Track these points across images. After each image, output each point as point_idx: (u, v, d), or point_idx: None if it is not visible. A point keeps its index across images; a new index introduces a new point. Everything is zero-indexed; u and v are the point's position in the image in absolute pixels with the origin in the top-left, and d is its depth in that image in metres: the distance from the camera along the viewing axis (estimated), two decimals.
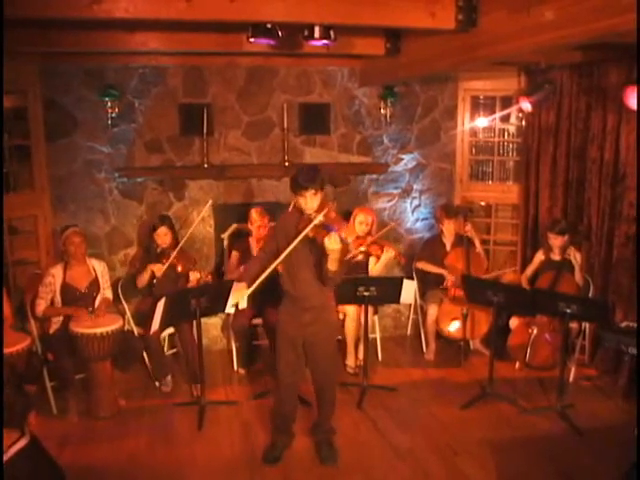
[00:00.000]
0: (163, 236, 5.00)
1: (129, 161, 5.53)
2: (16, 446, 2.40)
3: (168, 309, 4.19)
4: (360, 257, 5.16)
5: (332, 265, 3.37)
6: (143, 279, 4.96)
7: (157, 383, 4.88)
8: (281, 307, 3.79)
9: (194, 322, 4.49)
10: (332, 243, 3.23)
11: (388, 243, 5.30)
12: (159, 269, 4.88)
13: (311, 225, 3.31)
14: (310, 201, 3.41)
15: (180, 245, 4.99)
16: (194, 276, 4.98)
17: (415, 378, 5.15)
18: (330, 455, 3.86)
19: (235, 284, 3.68)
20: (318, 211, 3.38)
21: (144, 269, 4.96)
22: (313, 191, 3.40)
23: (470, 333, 5.37)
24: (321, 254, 3.42)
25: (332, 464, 3.81)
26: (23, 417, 2.49)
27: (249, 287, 3.56)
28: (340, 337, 5.59)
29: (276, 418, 3.95)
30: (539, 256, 5.29)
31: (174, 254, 4.90)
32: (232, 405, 4.62)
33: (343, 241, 3.25)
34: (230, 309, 3.93)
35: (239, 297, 3.59)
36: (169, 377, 4.91)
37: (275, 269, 3.50)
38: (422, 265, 5.62)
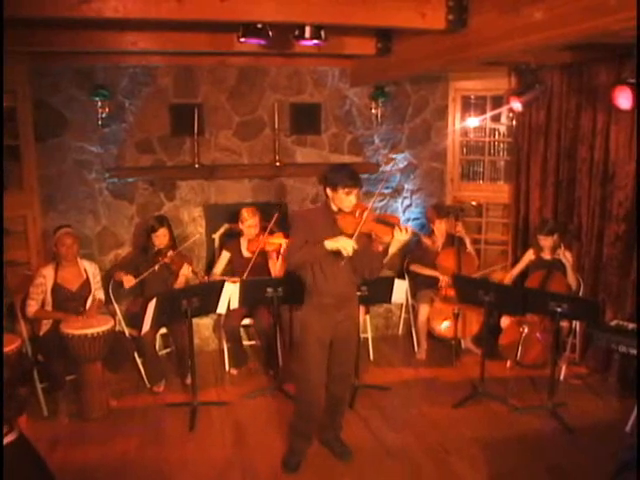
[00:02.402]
0: (162, 237, 5.00)
1: (119, 161, 5.50)
2: (4, 440, 2.41)
3: (159, 310, 4.19)
4: None
5: (387, 258, 3.51)
6: (117, 277, 4.98)
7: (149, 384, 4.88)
8: (308, 306, 3.65)
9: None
10: (402, 235, 3.32)
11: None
12: (129, 281, 4.86)
13: (362, 221, 3.37)
14: (353, 199, 3.44)
15: (179, 249, 5.01)
16: (186, 270, 4.95)
17: (407, 377, 5.16)
18: (345, 450, 3.89)
19: (339, 239, 3.41)
20: (357, 208, 3.44)
21: (122, 270, 4.99)
22: (357, 190, 3.45)
23: (461, 332, 5.39)
24: (363, 249, 3.45)
25: (350, 458, 3.85)
26: (14, 416, 2.50)
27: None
28: None
29: (300, 423, 3.82)
30: (529, 255, 5.31)
31: (170, 254, 4.89)
32: (224, 405, 4.62)
33: (413, 232, 3.41)
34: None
35: (350, 247, 3.34)
36: (163, 381, 4.91)
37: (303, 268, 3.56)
38: (416, 268, 5.63)
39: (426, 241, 5.62)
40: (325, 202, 3.56)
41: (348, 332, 3.69)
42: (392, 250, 3.47)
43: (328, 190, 3.48)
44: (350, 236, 3.38)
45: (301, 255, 3.49)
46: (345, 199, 3.43)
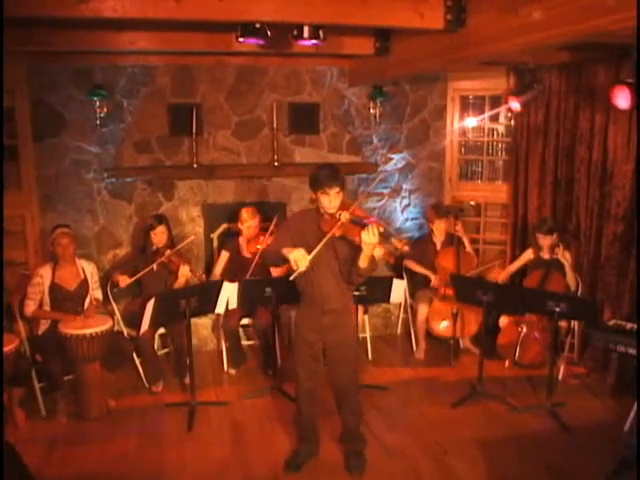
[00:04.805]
0: (161, 235, 4.99)
1: (118, 161, 5.50)
2: None
3: (157, 309, 4.18)
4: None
5: (364, 262, 3.28)
6: (116, 280, 4.96)
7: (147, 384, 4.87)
8: (298, 310, 3.70)
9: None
10: (370, 236, 3.13)
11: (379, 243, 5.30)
12: (124, 280, 4.85)
13: (339, 223, 3.24)
14: (334, 199, 3.33)
15: (177, 248, 5.01)
16: (184, 269, 4.93)
17: (405, 377, 5.16)
18: (357, 464, 3.73)
19: (294, 250, 3.29)
20: (341, 209, 3.31)
21: (119, 270, 4.99)
22: (337, 189, 3.32)
23: (460, 332, 5.39)
24: (348, 253, 3.37)
25: (358, 474, 3.69)
26: None
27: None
28: None
29: (298, 425, 3.90)
30: (527, 254, 5.32)
31: (168, 253, 4.89)
32: (222, 406, 4.61)
33: (382, 234, 3.18)
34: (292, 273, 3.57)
35: (302, 262, 3.22)
36: (161, 381, 4.90)
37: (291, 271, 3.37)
38: (410, 264, 5.64)
39: None
40: (317, 205, 3.48)
41: (336, 340, 3.57)
42: (365, 253, 3.24)
43: (313, 193, 3.43)
44: (322, 237, 3.27)
45: (271, 254, 3.55)
46: (324, 200, 3.34)
